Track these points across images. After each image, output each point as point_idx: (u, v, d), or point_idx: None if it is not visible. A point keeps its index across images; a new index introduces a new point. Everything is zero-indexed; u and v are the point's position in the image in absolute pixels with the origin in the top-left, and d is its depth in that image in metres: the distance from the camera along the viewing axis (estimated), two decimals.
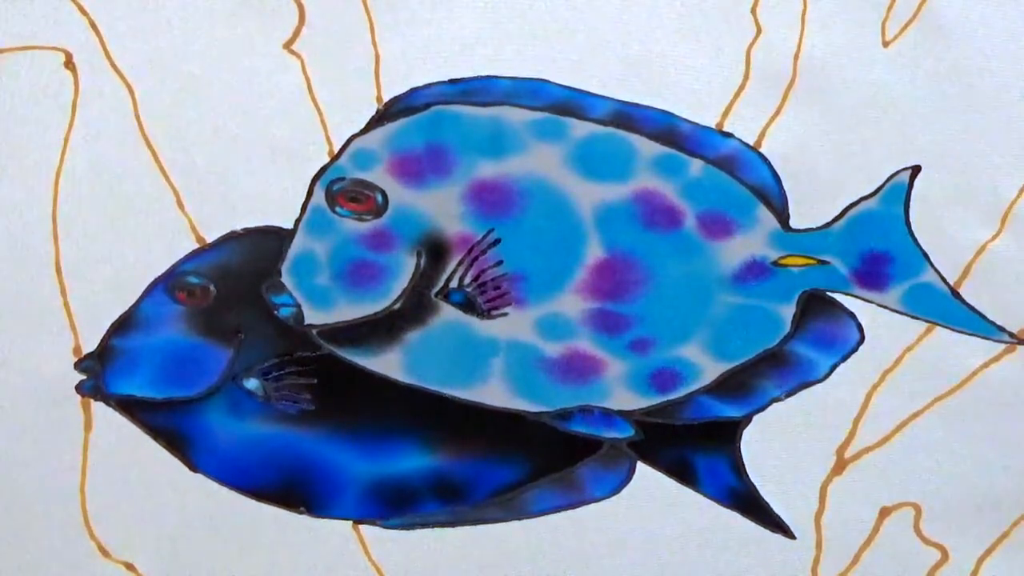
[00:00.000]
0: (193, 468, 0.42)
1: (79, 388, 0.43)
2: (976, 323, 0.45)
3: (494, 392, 0.43)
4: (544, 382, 0.43)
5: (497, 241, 0.44)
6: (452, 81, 0.46)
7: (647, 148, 0.46)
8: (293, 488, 0.42)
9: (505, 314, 0.44)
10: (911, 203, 0.46)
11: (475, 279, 0.44)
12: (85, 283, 0.44)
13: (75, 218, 0.45)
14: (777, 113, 0.47)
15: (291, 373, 0.43)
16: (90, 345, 0.43)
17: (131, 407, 0.43)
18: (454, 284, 0.44)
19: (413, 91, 0.46)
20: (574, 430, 0.43)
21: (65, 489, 0.42)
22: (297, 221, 0.45)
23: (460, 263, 0.44)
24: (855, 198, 0.46)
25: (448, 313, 0.44)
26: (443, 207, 0.45)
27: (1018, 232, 0.46)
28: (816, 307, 0.45)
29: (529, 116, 0.46)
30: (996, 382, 0.44)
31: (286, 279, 0.44)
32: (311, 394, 0.43)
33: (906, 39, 0.47)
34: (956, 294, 0.45)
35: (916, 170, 0.46)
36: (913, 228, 0.46)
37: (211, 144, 0.46)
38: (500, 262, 0.44)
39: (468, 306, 0.44)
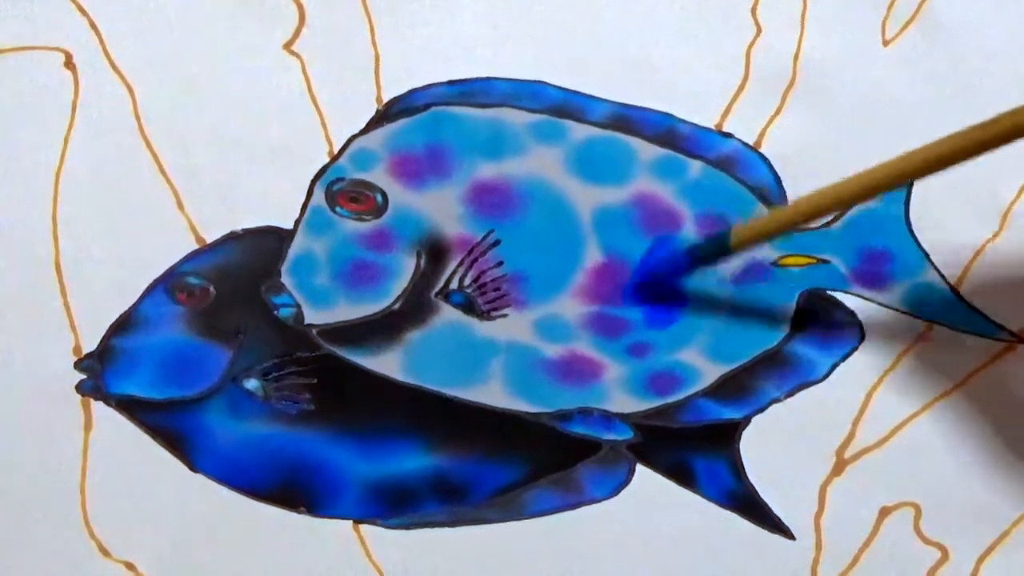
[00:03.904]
0: (193, 468, 0.42)
1: (79, 388, 0.43)
2: (976, 322, 0.45)
3: (494, 393, 0.43)
4: (544, 383, 0.43)
5: (497, 242, 0.44)
6: (451, 82, 0.46)
7: (646, 151, 0.46)
8: (293, 488, 0.42)
9: (505, 315, 0.44)
10: (911, 203, 0.46)
11: (475, 280, 0.44)
12: (85, 283, 0.44)
13: (75, 218, 0.45)
14: (777, 113, 0.47)
15: (291, 373, 0.43)
16: (90, 345, 0.43)
17: (131, 407, 0.43)
18: (454, 285, 0.44)
19: (412, 92, 0.46)
20: (573, 432, 0.43)
21: (65, 489, 0.42)
22: (297, 221, 0.45)
23: (460, 264, 0.44)
24: None
25: (448, 313, 0.44)
26: (443, 208, 0.45)
27: (1018, 232, 0.46)
28: (816, 307, 0.45)
29: (528, 118, 0.46)
30: (996, 382, 0.44)
31: (286, 279, 0.44)
32: (311, 394, 0.43)
33: (906, 39, 0.47)
34: (956, 293, 0.45)
35: None
36: (913, 228, 0.46)
37: (211, 144, 0.46)
38: (500, 263, 0.44)
39: (468, 307, 0.44)
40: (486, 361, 0.43)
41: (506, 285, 0.44)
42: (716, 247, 0.42)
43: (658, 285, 0.44)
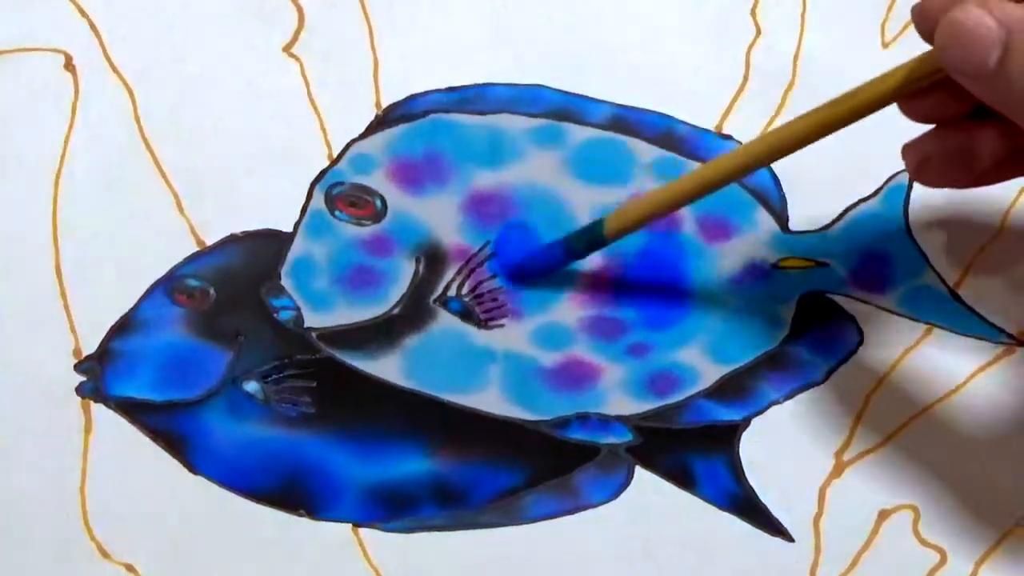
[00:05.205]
0: (193, 470, 0.42)
1: (79, 390, 0.43)
2: (975, 325, 0.45)
3: (492, 400, 0.43)
4: (541, 392, 0.43)
5: (494, 254, 0.44)
6: (450, 89, 0.46)
7: (645, 152, 0.46)
8: (293, 491, 0.42)
9: (502, 325, 0.44)
10: (911, 204, 0.46)
11: (472, 291, 0.44)
12: (85, 285, 0.44)
13: (75, 219, 0.45)
14: (777, 114, 0.47)
15: (291, 376, 0.43)
16: (90, 347, 0.43)
17: (131, 409, 0.43)
18: (452, 293, 0.44)
19: (411, 98, 0.46)
20: (572, 438, 0.43)
21: (65, 490, 0.42)
22: (296, 224, 0.45)
23: (458, 273, 0.44)
24: (855, 199, 0.46)
25: (446, 320, 0.44)
26: (441, 217, 0.45)
27: (1018, 232, 0.46)
28: (815, 309, 0.45)
29: (527, 123, 0.46)
30: (995, 384, 0.44)
31: (286, 282, 0.44)
32: (311, 397, 0.43)
33: (906, 39, 0.47)
34: (955, 296, 0.45)
35: None
36: (912, 230, 0.46)
37: (211, 146, 0.46)
38: (496, 275, 0.44)
39: (466, 315, 0.44)
40: (484, 368, 0.43)
41: (503, 296, 0.44)
42: (590, 238, 0.42)
43: (531, 279, 0.44)
